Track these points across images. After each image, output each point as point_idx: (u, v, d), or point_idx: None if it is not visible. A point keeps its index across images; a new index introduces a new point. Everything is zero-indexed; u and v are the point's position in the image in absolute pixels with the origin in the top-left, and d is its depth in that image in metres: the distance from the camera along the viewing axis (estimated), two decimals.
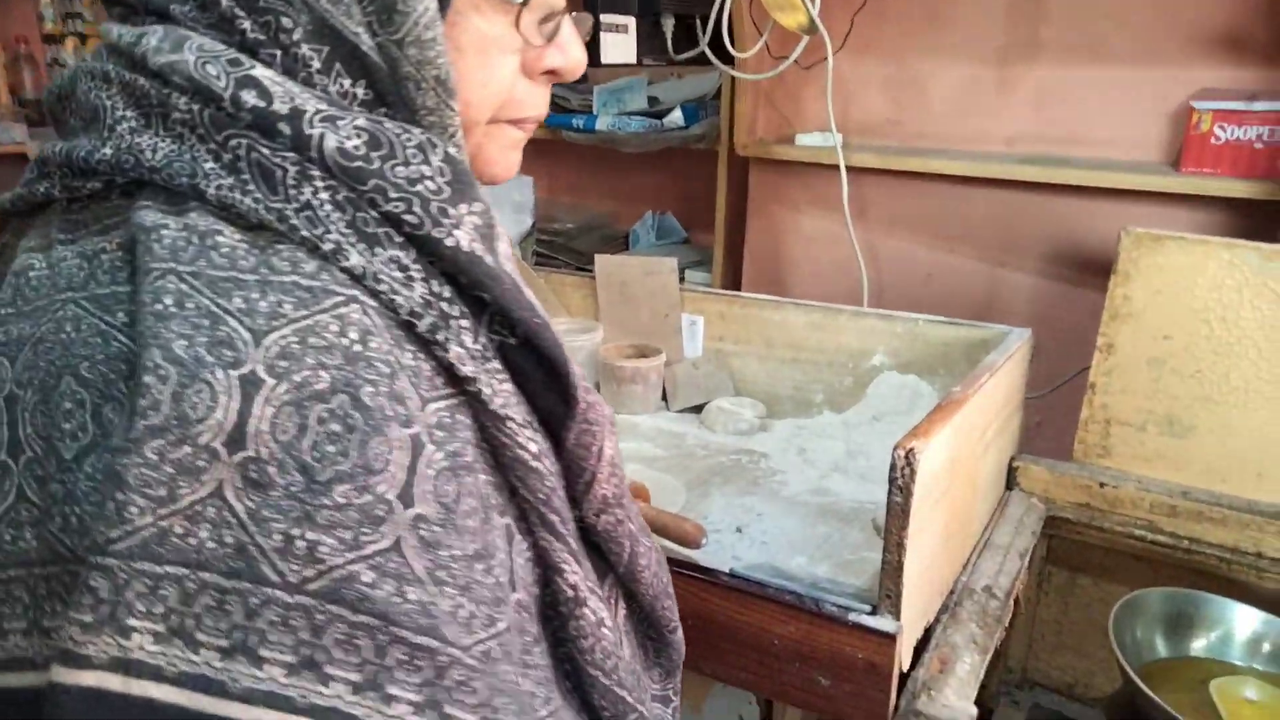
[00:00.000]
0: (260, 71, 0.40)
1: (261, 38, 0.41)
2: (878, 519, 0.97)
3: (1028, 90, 1.61)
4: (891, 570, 0.74)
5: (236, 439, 0.34)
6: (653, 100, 2.16)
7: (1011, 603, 0.90)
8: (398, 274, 0.40)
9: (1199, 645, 0.83)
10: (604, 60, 1.41)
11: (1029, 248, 1.61)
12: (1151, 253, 1.01)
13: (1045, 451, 1.14)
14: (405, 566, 0.36)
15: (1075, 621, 1.13)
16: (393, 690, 0.35)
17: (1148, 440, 1.05)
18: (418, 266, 0.40)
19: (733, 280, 2.01)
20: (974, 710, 0.74)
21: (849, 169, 1.59)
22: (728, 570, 0.82)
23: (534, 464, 0.43)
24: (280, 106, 0.39)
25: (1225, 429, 1.00)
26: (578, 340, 1.32)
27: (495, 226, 0.43)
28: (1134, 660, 0.77)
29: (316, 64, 0.42)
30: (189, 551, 0.34)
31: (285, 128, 0.39)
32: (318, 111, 0.40)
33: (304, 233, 0.39)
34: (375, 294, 0.39)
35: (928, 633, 0.83)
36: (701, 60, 1.58)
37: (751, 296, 1.31)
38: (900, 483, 0.73)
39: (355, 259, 0.39)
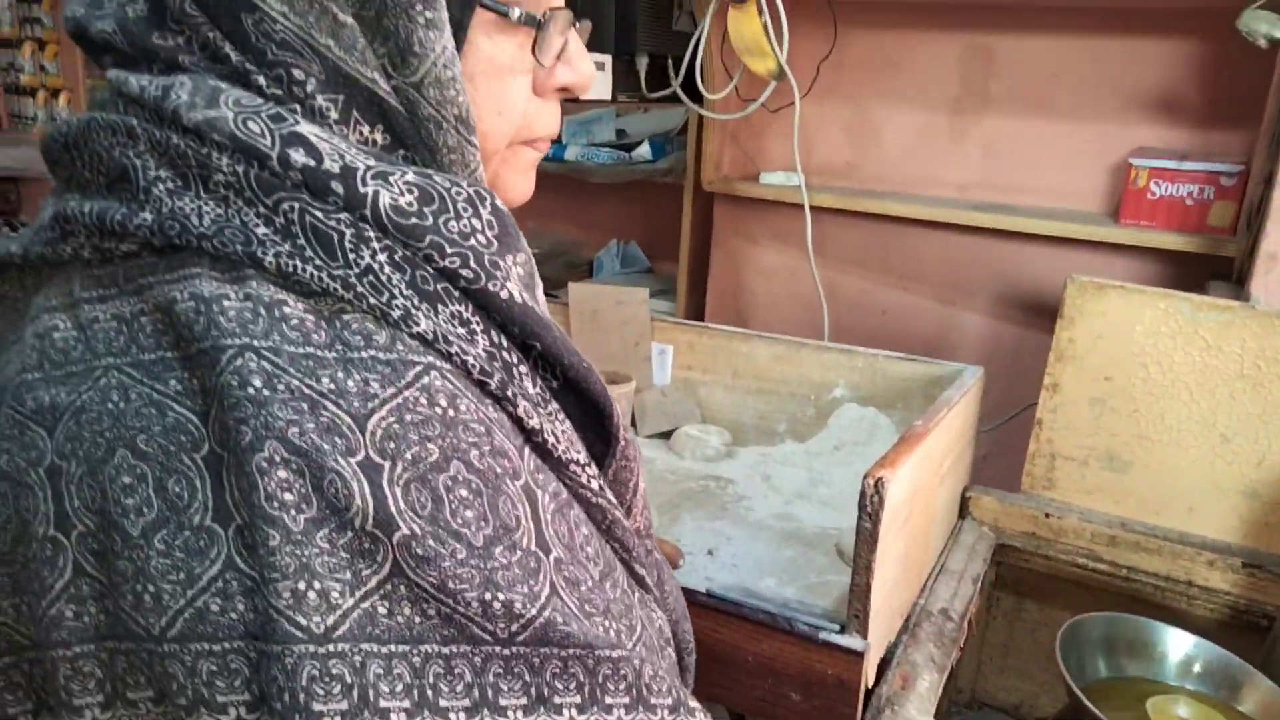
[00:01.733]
0: (305, 128, 0.40)
1: (278, 92, 0.40)
2: (841, 544, 1.02)
3: (978, 140, 1.70)
4: (860, 591, 0.79)
5: (385, 520, 0.35)
6: (620, 133, 2.23)
7: (965, 625, 0.96)
8: (461, 330, 0.40)
9: (1137, 666, 0.89)
10: (581, 97, 1.46)
11: (978, 288, 1.70)
12: (1094, 300, 1.08)
13: (992, 482, 1.21)
14: (568, 605, 0.39)
15: (1021, 645, 1.20)
16: (609, 700, 0.39)
17: (1089, 474, 1.12)
18: (477, 320, 0.41)
19: (696, 309, 2.07)
20: None
21: (810, 208, 1.66)
22: (704, 590, 0.86)
23: (595, 500, 0.45)
24: (331, 165, 0.39)
25: (1160, 465, 1.08)
26: None
27: (535, 274, 0.45)
28: (1078, 680, 0.83)
29: (334, 114, 0.41)
30: (403, 629, 0.36)
31: (338, 187, 0.39)
32: (369, 168, 0.39)
33: (371, 299, 0.38)
34: (447, 356, 0.39)
35: (889, 651, 0.88)
36: (673, 98, 1.64)
37: (719, 328, 1.36)
38: (870, 510, 0.78)
39: (424, 323, 0.39)
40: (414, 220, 0.39)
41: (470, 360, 0.40)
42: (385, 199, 0.39)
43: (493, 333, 0.41)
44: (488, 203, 0.42)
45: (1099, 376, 1.10)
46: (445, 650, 0.36)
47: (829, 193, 1.75)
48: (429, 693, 0.36)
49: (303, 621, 0.34)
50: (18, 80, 2.71)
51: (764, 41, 1.44)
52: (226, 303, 0.37)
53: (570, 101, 2.13)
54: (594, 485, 0.44)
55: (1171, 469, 1.07)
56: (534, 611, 0.38)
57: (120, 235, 0.40)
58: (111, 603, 0.36)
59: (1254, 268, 1.16)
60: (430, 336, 0.39)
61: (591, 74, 0.50)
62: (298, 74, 0.40)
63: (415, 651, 0.36)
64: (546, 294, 1.94)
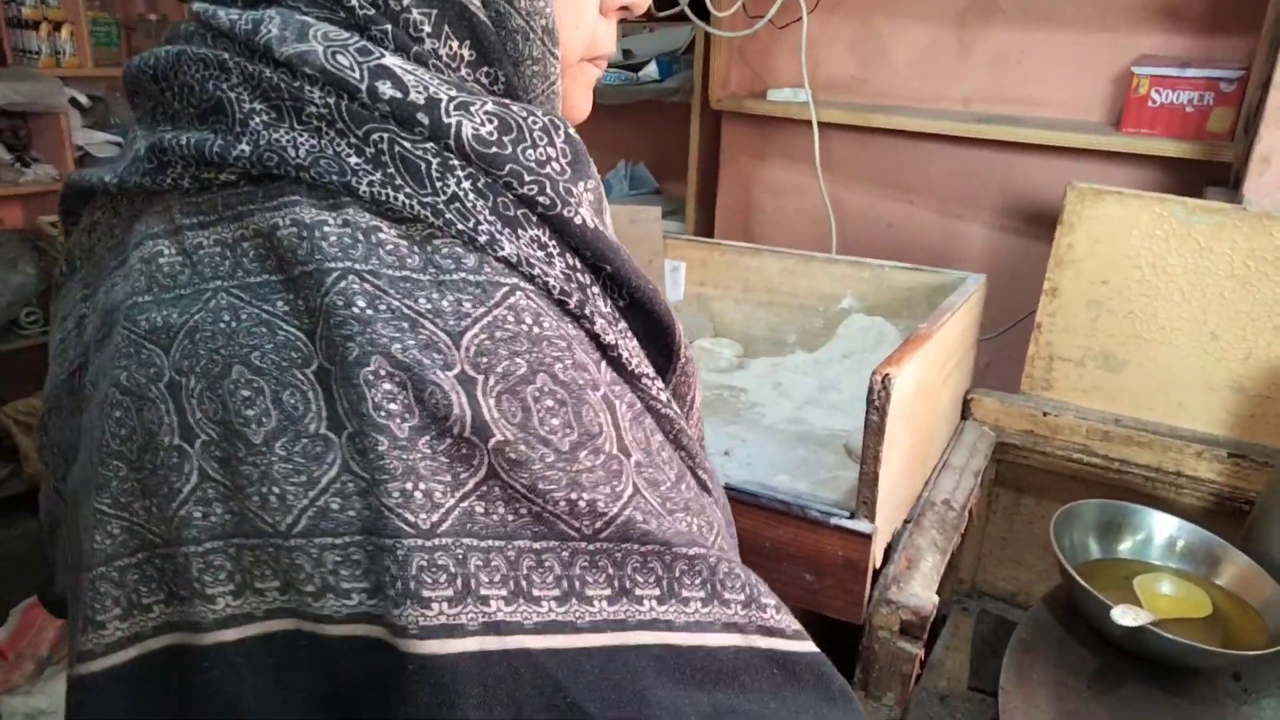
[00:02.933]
0: (390, 60, 0.41)
1: (370, 12, 0.42)
2: (849, 443, 1.09)
3: (984, 52, 1.71)
4: (868, 480, 0.86)
5: (481, 428, 0.38)
6: (627, 53, 2.23)
7: (966, 514, 1.03)
8: (540, 254, 0.42)
9: (1125, 547, 0.97)
10: (635, 15, 1.47)
11: (982, 200, 1.73)
12: (1093, 206, 1.12)
13: (994, 387, 1.27)
14: (649, 504, 0.43)
15: (1019, 537, 1.28)
16: (685, 593, 0.43)
17: (1086, 374, 1.18)
18: (554, 243, 0.43)
19: (705, 228, 2.10)
20: (936, 599, 0.87)
21: (818, 124, 1.69)
22: (723, 484, 0.93)
23: (665, 411, 0.47)
24: (417, 96, 0.41)
25: (1153, 363, 1.13)
26: None
27: (604, 200, 0.47)
28: (1071, 560, 0.90)
29: (427, 27, 0.43)
30: (498, 526, 0.39)
31: (424, 117, 0.41)
32: (451, 99, 0.41)
33: (459, 226, 0.41)
34: (530, 278, 0.42)
35: (895, 537, 0.95)
36: (680, 16, 1.65)
37: (730, 244, 1.41)
38: (877, 404, 0.84)
39: (508, 247, 0.41)
40: (494, 149, 0.41)
41: (551, 281, 0.42)
42: (468, 128, 0.41)
43: (568, 255, 0.44)
44: (561, 130, 0.44)
45: (1096, 280, 1.14)
46: (536, 545, 0.40)
47: (836, 108, 1.77)
48: (523, 583, 0.40)
49: (410, 518, 0.38)
50: (20, 13, 2.68)
51: None
52: (327, 228, 0.40)
53: None
54: (662, 398, 0.47)
55: (1163, 366, 1.13)
56: (615, 510, 0.41)
57: (219, 166, 0.42)
58: (237, 504, 0.39)
59: (1248, 171, 1.20)
60: (514, 260, 0.41)
61: None
62: None
63: (510, 546, 0.39)
64: None
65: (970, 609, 1.32)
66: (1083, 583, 0.87)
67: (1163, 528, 0.97)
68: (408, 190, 0.40)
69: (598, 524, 0.41)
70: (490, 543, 0.39)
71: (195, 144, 0.42)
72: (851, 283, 1.33)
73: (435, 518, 0.38)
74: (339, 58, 0.40)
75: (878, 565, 0.89)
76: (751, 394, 1.26)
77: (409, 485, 0.37)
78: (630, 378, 0.45)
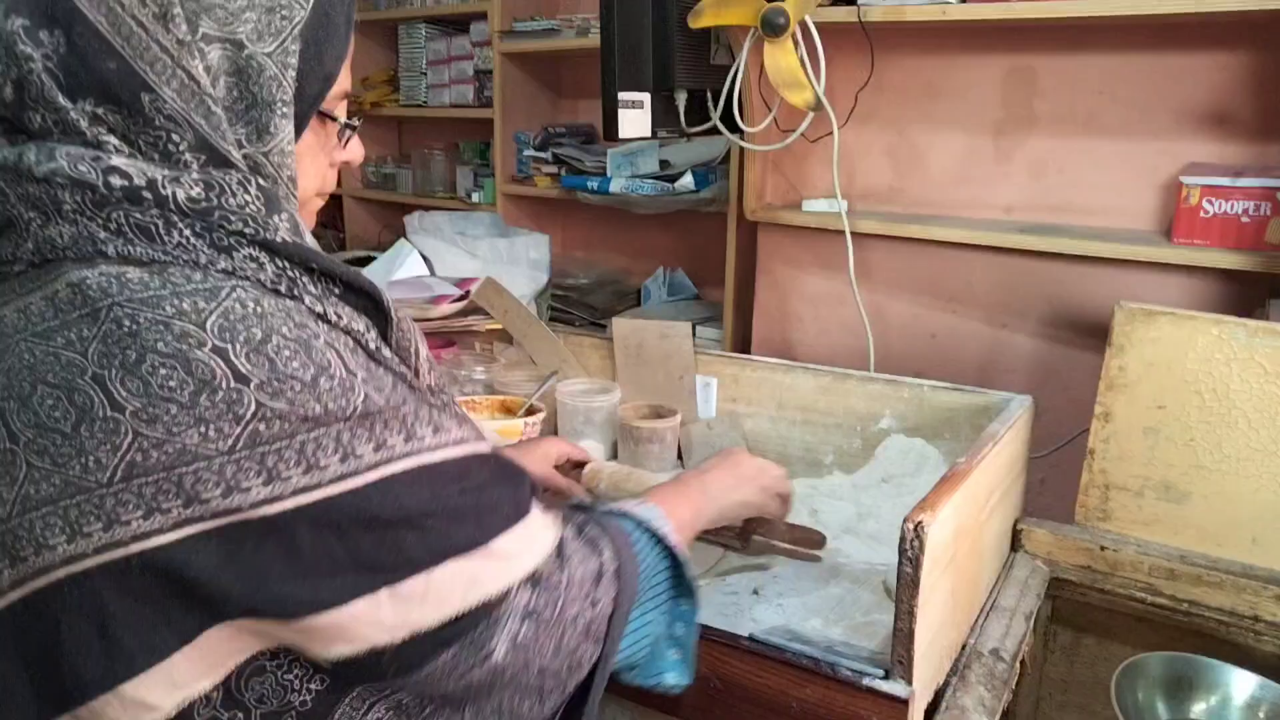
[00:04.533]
0: (117, 160, 0.57)
1: (154, 153, 0.58)
2: (889, 581, 1.01)
3: (1024, 160, 1.68)
4: (903, 637, 0.79)
5: (241, 377, 0.54)
6: (664, 163, 2.25)
7: (1018, 665, 0.94)
8: (253, 264, 0.59)
9: (1199, 709, 0.87)
10: (621, 135, 1.48)
11: (1028, 310, 1.67)
12: (1144, 327, 1.06)
13: (1049, 507, 1.18)
14: (379, 395, 0.59)
15: (1081, 680, 1.17)
16: (420, 432, 0.61)
17: (1145, 505, 1.09)
18: (264, 255, 0.59)
19: (743, 336, 2.07)
20: None
21: (853, 234, 1.66)
22: (747, 635, 0.86)
23: (379, 350, 0.62)
24: (139, 180, 0.57)
25: (1219, 495, 1.05)
26: (597, 400, 1.37)
27: (300, 227, 0.63)
28: None
29: (195, 169, 0.59)
30: (279, 433, 0.55)
31: (148, 194, 0.57)
32: (165, 176, 0.58)
33: (185, 258, 0.57)
34: (245, 278, 0.58)
35: (938, 694, 0.87)
36: (713, 131, 1.65)
37: (763, 360, 1.36)
38: (910, 554, 0.77)
39: (224, 263, 0.58)
40: (204, 204, 0.58)
41: (263, 278, 0.59)
42: (181, 194, 0.58)
43: (278, 261, 0.60)
44: (253, 183, 0.61)
45: (1152, 405, 1.07)
46: (314, 434, 0.56)
47: (873, 218, 1.74)
48: (312, 458, 0.56)
49: (213, 445, 0.54)
50: None
51: (801, 74, 1.45)
52: (90, 281, 0.55)
53: (611, 140, 2.15)
54: (374, 345, 0.62)
55: (1232, 499, 1.04)
56: (359, 402, 0.58)
57: (12, 261, 0.59)
58: (59, 478, 0.54)
59: None
60: (230, 269, 0.58)
61: (361, 153, 0.77)
62: (175, 138, 0.59)
63: (294, 441, 0.55)
64: (594, 323, 1.99)
65: None
66: None
67: (1241, 687, 0.87)
68: (142, 246, 0.57)
69: (348, 410, 0.57)
70: (280, 443, 0.55)
71: None
72: (890, 402, 1.28)
73: (230, 442, 0.54)
74: (79, 166, 0.56)
75: None
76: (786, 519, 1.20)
77: (203, 429, 0.53)
78: (345, 331, 0.60)
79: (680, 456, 1.37)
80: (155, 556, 0.54)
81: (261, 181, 0.62)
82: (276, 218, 0.61)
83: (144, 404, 0.53)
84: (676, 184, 2.10)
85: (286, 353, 0.56)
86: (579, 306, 2.37)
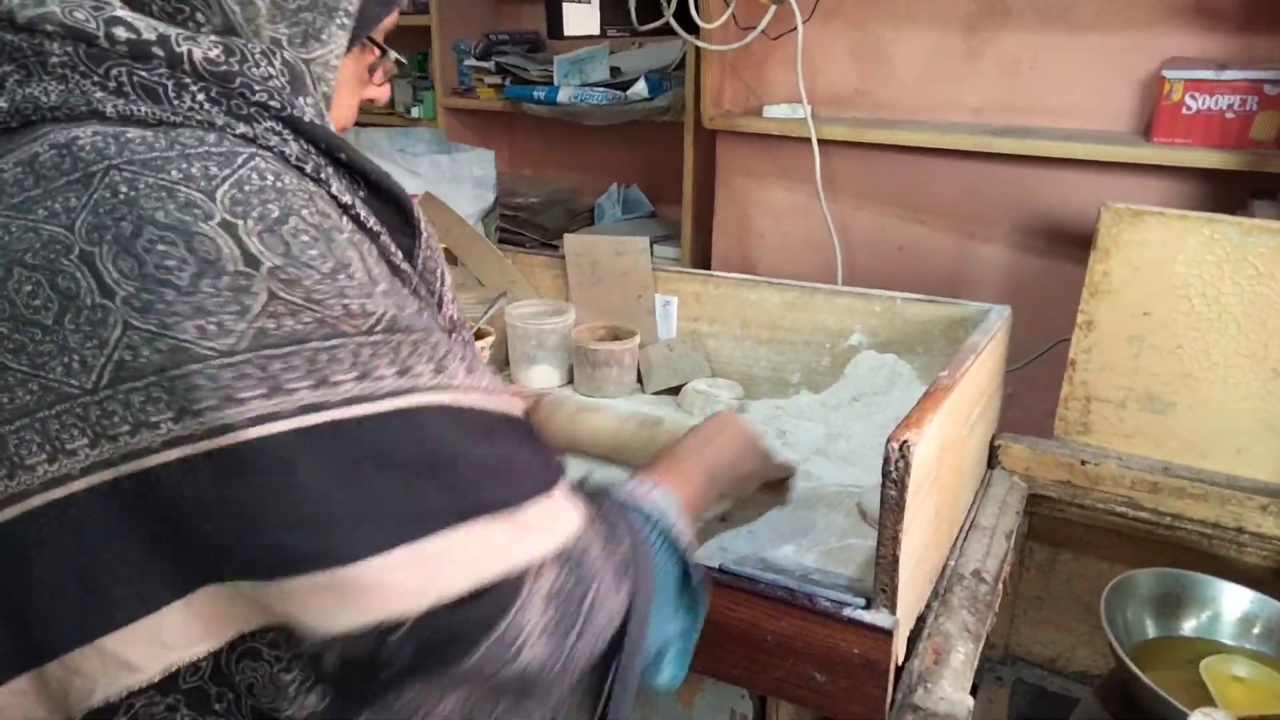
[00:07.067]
0: (121, 11, 0.50)
1: (168, 20, 0.51)
2: (863, 503, 0.96)
3: (995, 58, 1.59)
4: (887, 565, 0.73)
5: (251, 259, 0.45)
6: (615, 70, 2.11)
7: (1000, 586, 0.90)
8: (276, 138, 0.51)
9: (1189, 625, 0.83)
10: (567, 32, 1.36)
11: (1000, 219, 1.60)
12: (1131, 229, 0.99)
13: (1019, 422, 1.13)
14: (405, 312, 0.51)
15: (1057, 597, 1.14)
16: (451, 367, 0.52)
17: (1128, 417, 1.04)
18: (287, 132, 0.52)
19: (702, 254, 1.98)
20: (970, 701, 0.74)
21: (818, 141, 1.56)
22: (717, 566, 0.80)
23: (402, 265, 0.55)
24: (149, 35, 0.49)
25: (1205, 405, 1.00)
26: (549, 323, 1.29)
27: (325, 114, 0.57)
28: (1125, 641, 0.77)
29: (214, 53, 0.51)
30: (289, 335, 0.46)
31: (158, 50, 0.49)
32: (179, 34, 0.50)
33: (197, 118, 0.50)
34: (267, 148, 0.50)
35: (919, 621, 0.82)
36: (666, 30, 1.53)
37: (726, 276, 1.28)
38: (895, 476, 0.71)
39: (243, 128, 0.50)
40: (223, 67, 0.51)
41: (287, 151, 0.51)
42: (198, 53, 0.50)
43: (302, 142, 0.53)
44: (278, 56, 0.53)
45: (1137, 312, 1.01)
46: (328, 344, 0.47)
47: (837, 124, 1.65)
48: (323, 373, 0.47)
49: (210, 344, 0.45)
50: None
51: None
52: (81, 140, 0.47)
53: (558, 39, 2.01)
54: (399, 256, 0.55)
55: (1218, 408, 1.00)
56: (381, 310, 0.49)
57: None
58: (38, 384, 0.46)
59: None
60: (250, 135, 0.50)
61: (389, 93, 0.69)
62: (200, 17, 0.51)
63: (305, 349, 0.46)
64: (545, 244, 1.87)
65: (1004, 677, 1.18)
66: (1139, 673, 0.74)
67: (1234, 602, 0.83)
68: (147, 107, 0.49)
69: (370, 321, 0.49)
70: (288, 349, 0.46)
71: None
72: (860, 316, 1.21)
73: (231, 341, 0.45)
74: (75, 13, 0.49)
75: (900, 661, 0.76)
76: None
77: (201, 322, 0.45)
78: (370, 235, 0.53)
79: (640, 380, 1.30)
80: (145, 480, 0.45)
81: (286, 57, 0.54)
82: (303, 99, 0.54)
83: (137, 288, 0.44)
84: (629, 92, 1.98)
85: (305, 238, 0.47)
86: (529, 227, 2.25)
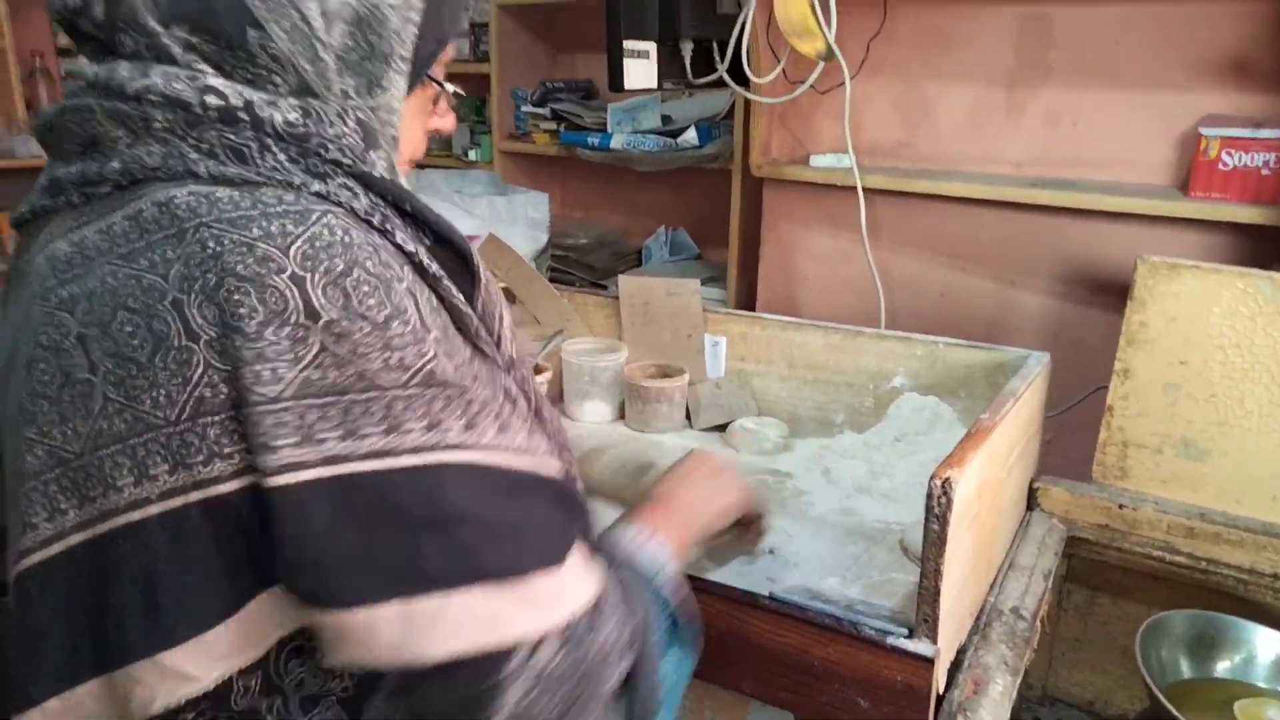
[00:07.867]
0: (214, 80, 0.55)
1: (250, 85, 0.56)
2: (905, 540, 1.00)
3: (1036, 113, 1.64)
4: (929, 595, 0.77)
5: (312, 313, 0.50)
6: (665, 119, 2.20)
7: (1038, 624, 0.93)
8: (347, 193, 0.56)
9: (1223, 666, 0.86)
10: (627, 86, 1.44)
11: (1039, 268, 1.64)
12: (1167, 281, 1.04)
13: (1058, 467, 1.17)
14: (447, 364, 0.55)
15: (1095, 639, 1.16)
16: (481, 425, 0.55)
17: (1164, 463, 1.08)
18: (359, 187, 0.57)
19: (747, 296, 2.04)
20: None
21: (862, 190, 1.62)
22: (768, 594, 0.85)
23: (464, 309, 0.59)
24: (236, 101, 0.55)
25: (1240, 452, 1.03)
26: (603, 360, 1.35)
27: (396, 167, 0.62)
28: (1159, 681, 0.80)
29: (293, 114, 0.57)
30: (331, 386, 0.51)
31: (244, 115, 0.55)
32: (263, 99, 0.56)
33: (278, 178, 0.55)
34: (339, 204, 0.55)
35: (960, 653, 0.86)
36: (719, 83, 1.61)
37: (773, 318, 1.34)
38: (937, 511, 0.75)
39: (318, 186, 0.55)
40: (301, 129, 0.56)
41: (356, 207, 0.55)
42: (279, 118, 0.56)
43: (372, 196, 0.57)
44: (351, 116, 0.59)
45: (1173, 361, 1.05)
46: (363, 397, 0.51)
47: (881, 174, 1.70)
48: (354, 424, 0.51)
49: (261, 391, 0.50)
50: None
51: (811, 21, 1.40)
52: (178, 200, 0.53)
53: (618, 93, 2.10)
54: (460, 300, 0.58)
55: (1253, 456, 1.03)
56: (421, 364, 0.53)
57: (98, 182, 0.56)
58: (131, 414, 0.51)
59: None
60: (324, 193, 0.55)
61: (454, 123, 0.73)
62: (276, 80, 0.56)
63: (342, 400, 0.51)
64: (594, 284, 1.93)
65: (1043, 718, 1.20)
66: (1174, 710, 0.77)
67: (1268, 645, 0.86)
68: (235, 168, 0.54)
69: (408, 375, 0.52)
70: (327, 399, 0.51)
71: (80, 170, 0.57)
72: (903, 360, 1.25)
73: (279, 388, 0.50)
74: (175, 84, 0.54)
75: (941, 690, 0.80)
76: (798, 479, 1.18)
77: (258, 367, 0.50)
78: (432, 280, 0.57)
79: (688, 416, 1.35)
80: (211, 505, 0.51)
81: (360, 116, 0.59)
82: (374, 154, 0.59)
83: (217, 333, 0.50)
84: (679, 139, 2.06)
85: (365, 288, 0.52)
86: (578, 267, 2.33)
